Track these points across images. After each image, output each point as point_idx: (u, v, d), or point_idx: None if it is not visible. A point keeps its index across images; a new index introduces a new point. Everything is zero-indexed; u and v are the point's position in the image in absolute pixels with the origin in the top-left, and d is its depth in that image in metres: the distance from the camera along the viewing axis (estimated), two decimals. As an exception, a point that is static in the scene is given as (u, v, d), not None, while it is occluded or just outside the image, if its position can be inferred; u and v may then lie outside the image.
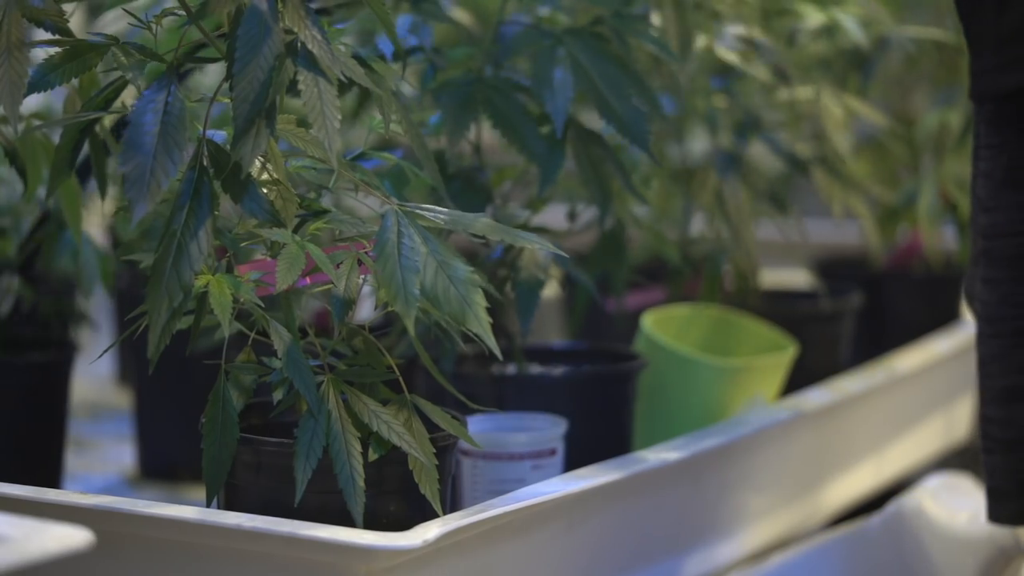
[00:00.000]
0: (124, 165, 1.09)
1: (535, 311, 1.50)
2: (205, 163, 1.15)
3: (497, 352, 1.15)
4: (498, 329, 1.54)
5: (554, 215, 1.74)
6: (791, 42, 1.97)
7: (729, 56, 1.77)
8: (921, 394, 2.05)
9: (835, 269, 2.35)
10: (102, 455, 2.03)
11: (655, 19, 1.63)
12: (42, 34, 1.22)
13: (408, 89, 1.52)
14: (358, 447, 1.18)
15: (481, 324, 1.14)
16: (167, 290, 1.12)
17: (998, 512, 1.45)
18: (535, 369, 1.59)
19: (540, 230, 1.55)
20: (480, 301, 1.14)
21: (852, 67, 2.14)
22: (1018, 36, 1.37)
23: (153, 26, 1.22)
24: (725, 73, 1.88)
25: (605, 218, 1.51)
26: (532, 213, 1.58)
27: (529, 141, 1.45)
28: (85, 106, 1.25)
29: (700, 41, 1.73)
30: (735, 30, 1.79)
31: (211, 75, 2.08)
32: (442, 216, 1.18)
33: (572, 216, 1.70)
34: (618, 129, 1.44)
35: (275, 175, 1.21)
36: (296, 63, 1.13)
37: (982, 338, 1.46)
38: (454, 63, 1.51)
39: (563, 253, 1.26)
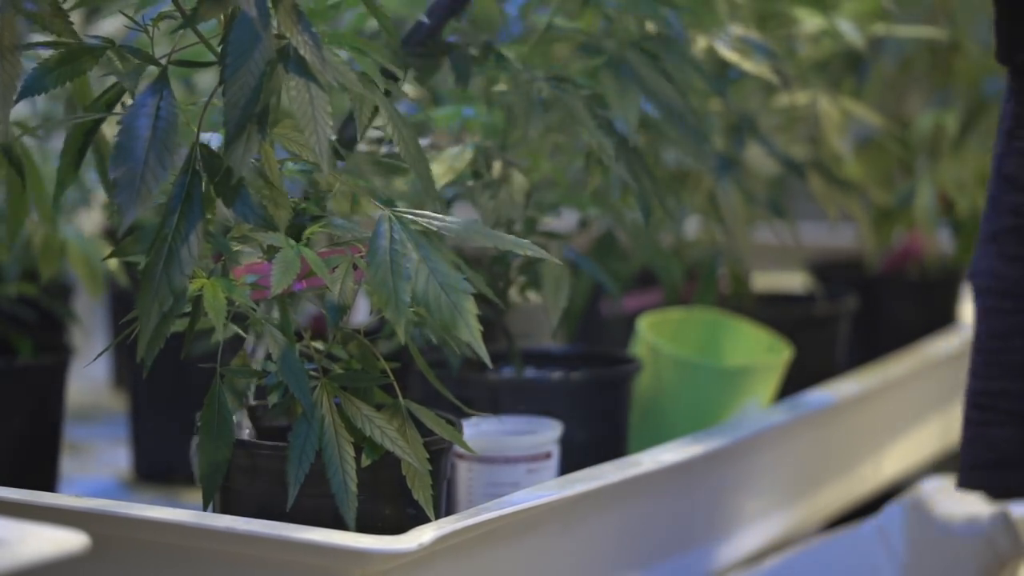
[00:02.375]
0: (115, 170, 1.09)
1: (566, 302, 1.50)
2: (198, 167, 1.15)
3: (488, 361, 1.15)
4: (499, 331, 1.54)
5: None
6: (788, 47, 1.97)
7: (730, 55, 1.76)
8: (917, 397, 2.05)
9: (830, 272, 2.35)
10: (97, 458, 2.03)
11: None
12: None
13: (409, 90, 1.51)
14: (351, 452, 1.18)
15: (471, 332, 1.14)
16: (157, 294, 1.12)
17: (1007, 482, 1.45)
18: (530, 372, 1.59)
19: (549, 235, 1.54)
20: (471, 309, 1.14)
21: (847, 69, 2.14)
22: None
23: (150, 29, 1.22)
24: (719, 75, 1.88)
25: (649, 222, 1.50)
26: (547, 216, 1.58)
27: (604, 144, 1.42)
28: (89, 108, 1.25)
29: (698, 43, 1.73)
30: (734, 30, 1.78)
31: (209, 78, 2.08)
32: (434, 222, 1.18)
33: (584, 224, 1.70)
34: (682, 147, 1.47)
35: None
36: (287, 69, 1.13)
37: (999, 313, 1.46)
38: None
39: (558, 260, 1.25)
